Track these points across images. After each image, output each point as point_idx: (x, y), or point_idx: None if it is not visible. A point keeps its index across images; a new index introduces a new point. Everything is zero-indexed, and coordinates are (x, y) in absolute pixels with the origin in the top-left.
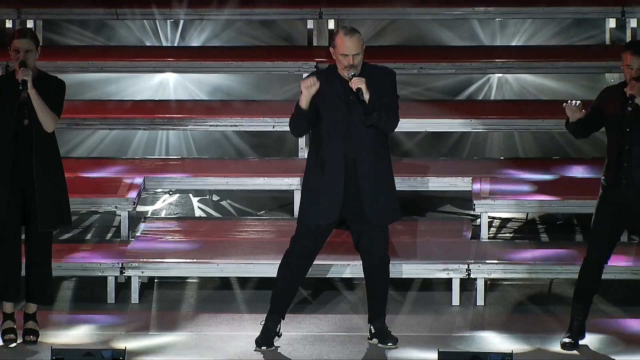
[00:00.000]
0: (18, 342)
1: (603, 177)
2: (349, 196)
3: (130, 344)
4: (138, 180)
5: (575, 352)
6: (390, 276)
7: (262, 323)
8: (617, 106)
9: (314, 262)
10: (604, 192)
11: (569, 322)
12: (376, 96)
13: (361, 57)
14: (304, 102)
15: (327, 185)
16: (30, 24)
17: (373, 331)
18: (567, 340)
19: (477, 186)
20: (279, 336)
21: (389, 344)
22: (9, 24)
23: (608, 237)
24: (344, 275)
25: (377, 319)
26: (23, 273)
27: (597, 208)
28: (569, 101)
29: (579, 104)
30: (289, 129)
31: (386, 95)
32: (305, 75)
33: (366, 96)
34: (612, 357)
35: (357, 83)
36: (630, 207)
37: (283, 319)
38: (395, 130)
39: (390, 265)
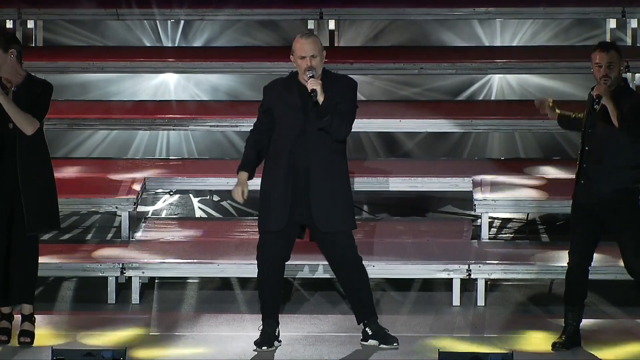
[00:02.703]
0: (11, 342)
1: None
2: (300, 202)
3: (130, 344)
4: (139, 180)
5: (574, 352)
6: (391, 276)
7: (260, 328)
8: (585, 108)
9: (312, 263)
10: (574, 195)
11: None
12: (333, 102)
13: (320, 60)
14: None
15: (277, 190)
16: (30, 24)
17: (370, 333)
18: (558, 341)
19: (477, 186)
20: (279, 341)
21: (394, 344)
22: (9, 24)
23: (585, 239)
24: None
25: (371, 320)
26: None
27: (571, 211)
28: (536, 101)
29: (548, 102)
30: None
31: (344, 103)
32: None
33: (320, 98)
34: (612, 357)
35: (313, 84)
36: (593, 207)
37: (279, 324)
38: (396, 130)
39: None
